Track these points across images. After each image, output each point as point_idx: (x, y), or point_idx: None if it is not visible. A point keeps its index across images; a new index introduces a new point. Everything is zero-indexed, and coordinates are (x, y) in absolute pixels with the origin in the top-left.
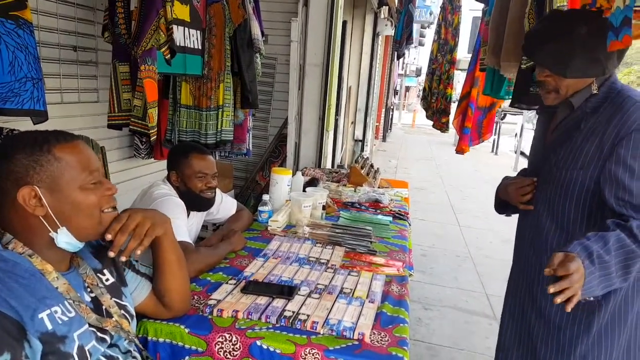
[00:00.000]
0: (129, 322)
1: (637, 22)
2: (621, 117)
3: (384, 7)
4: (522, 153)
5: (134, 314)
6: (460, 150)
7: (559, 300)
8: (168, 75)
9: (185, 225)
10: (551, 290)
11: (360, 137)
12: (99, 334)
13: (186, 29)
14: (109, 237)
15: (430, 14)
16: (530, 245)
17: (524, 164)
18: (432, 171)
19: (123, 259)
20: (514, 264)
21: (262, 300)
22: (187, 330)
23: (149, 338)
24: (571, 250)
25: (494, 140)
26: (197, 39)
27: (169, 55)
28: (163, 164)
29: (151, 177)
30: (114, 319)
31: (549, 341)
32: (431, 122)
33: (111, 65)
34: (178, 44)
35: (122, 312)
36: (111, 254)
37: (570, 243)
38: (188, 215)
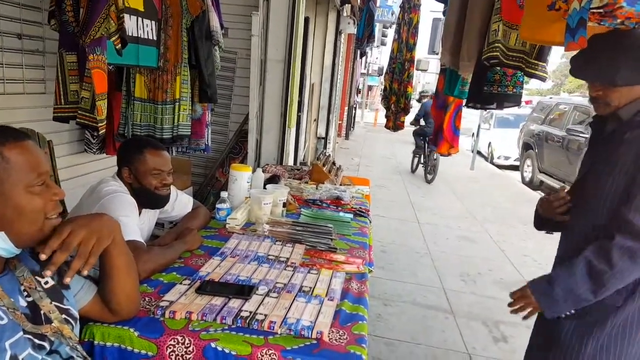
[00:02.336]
0: (73, 327)
1: (592, 25)
2: None
3: (346, 5)
4: (478, 152)
5: (77, 317)
6: (445, 153)
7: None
8: (121, 67)
9: (135, 224)
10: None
11: (323, 135)
12: (36, 340)
13: (140, 18)
14: (43, 257)
15: (392, 14)
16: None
17: (481, 162)
18: (393, 169)
19: (67, 280)
20: (555, 260)
21: (218, 300)
22: (136, 334)
23: (95, 342)
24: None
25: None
26: (151, 29)
27: (119, 45)
28: (114, 159)
29: (103, 173)
30: (54, 324)
31: (561, 341)
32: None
33: (57, 54)
34: (130, 34)
35: (64, 316)
36: (47, 274)
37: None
38: (140, 212)
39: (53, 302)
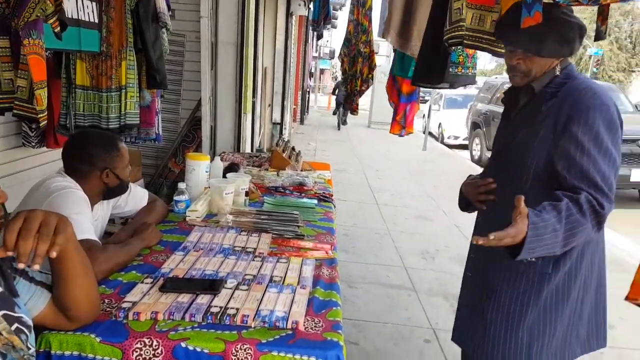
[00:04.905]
0: (27, 336)
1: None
2: (575, 98)
3: None
4: (430, 133)
5: (31, 324)
6: (397, 133)
7: (480, 241)
8: (59, 52)
9: (89, 221)
10: (479, 242)
11: (279, 120)
12: None
13: None
14: (9, 253)
15: None
16: (485, 223)
17: (432, 143)
18: (349, 152)
19: (36, 267)
20: (471, 245)
21: (185, 298)
22: (98, 340)
23: (52, 352)
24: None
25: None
26: (92, 11)
27: (58, 29)
28: (57, 153)
29: (44, 168)
30: (2, 335)
31: (499, 312)
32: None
33: None
34: (70, 16)
35: (16, 325)
36: (21, 266)
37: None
38: (92, 208)
39: (2, 311)
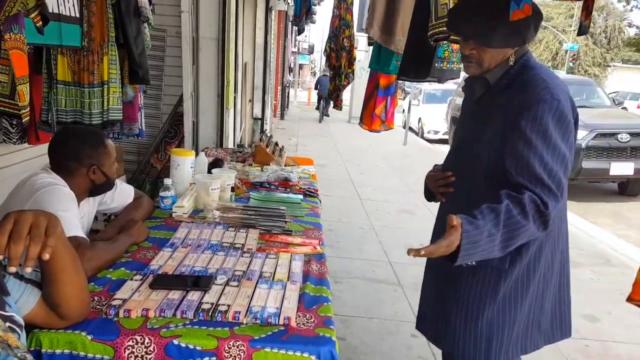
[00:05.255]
0: (19, 335)
1: None
2: (525, 91)
3: None
4: (410, 128)
5: (22, 324)
6: (370, 129)
7: (411, 254)
8: (40, 47)
9: (77, 218)
10: (411, 254)
11: (260, 116)
12: None
13: None
14: None
15: None
16: (445, 215)
17: (413, 138)
18: (331, 147)
19: (28, 270)
20: (433, 236)
21: (175, 294)
22: (89, 338)
23: (43, 351)
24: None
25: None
26: (73, 5)
27: (40, 23)
28: (39, 149)
29: (26, 164)
30: None
31: (459, 306)
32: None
33: None
34: (51, 10)
35: (8, 324)
36: (12, 269)
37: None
38: (78, 205)
39: None
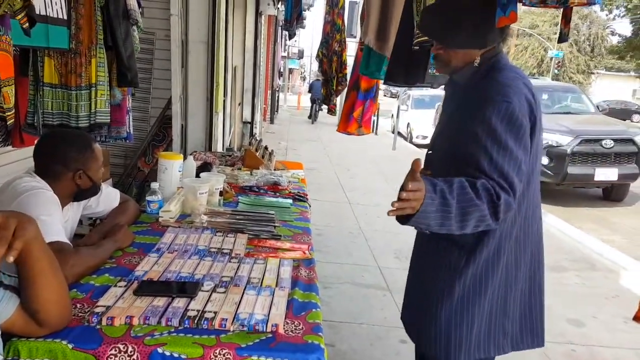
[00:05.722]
0: None
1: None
2: (480, 93)
3: None
4: (399, 133)
5: None
6: (353, 132)
7: (391, 214)
8: (26, 49)
9: (60, 223)
10: (395, 205)
11: (249, 119)
12: None
13: None
14: None
15: None
16: None
17: (402, 143)
18: (320, 151)
19: None
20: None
21: (160, 301)
22: (70, 346)
23: None
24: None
25: (373, 121)
26: (61, 7)
27: (27, 25)
28: (24, 152)
29: (9, 167)
30: None
31: (423, 303)
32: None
33: None
34: (38, 12)
35: None
36: None
37: None
38: (62, 209)
39: None
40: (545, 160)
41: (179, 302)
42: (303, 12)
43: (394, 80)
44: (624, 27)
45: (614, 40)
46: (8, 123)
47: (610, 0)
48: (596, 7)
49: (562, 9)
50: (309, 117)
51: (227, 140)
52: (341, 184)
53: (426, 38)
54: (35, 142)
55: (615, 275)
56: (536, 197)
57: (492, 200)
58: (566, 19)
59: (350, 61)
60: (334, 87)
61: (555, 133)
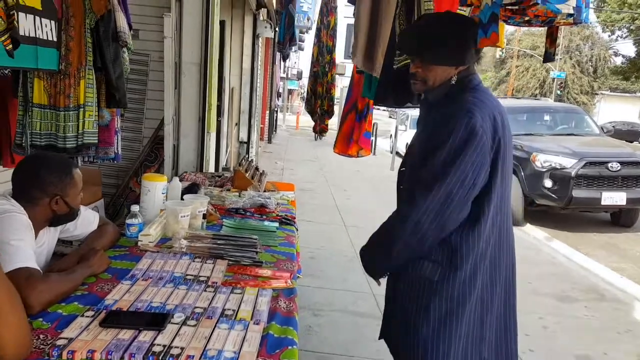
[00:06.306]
0: None
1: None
2: (457, 106)
3: (262, 9)
4: (397, 153)
5: None
6: (354, 154)
7: None
8: (17, 70)
9: (30, 248)
10: None
11: (245, 139)
12: None
13: (37, 17)
14: None
15: (308, 19)
16: None
17: (399, 162)
18: (317, 172)
19: None
20: None
21: (127, 334)
22: None
23: None
24: None
25: (372, 141)
26: (51, 29)
27: (10, 46)
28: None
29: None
30: None
31: (398, 322)
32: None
33: None
34: (27, 34)
35: None
36: None
37: None
38: (37, 234)
39: None
40: (549, 183)
41: (146, 336)
42: (298, 34)
43: (384, 103)
44: (628, 48)
45: (618, 61)
46: None
47: (612, 22)
48: (598, 29)
49: (546, 28)
50: (313, 130)
51: (223, 160)
52: (337, 205)
53: (408, 61)
54: (17, 163)
55: (627, 306)
56: (509, 219)
57: (399, 210)
58: (552, 37)
59: (337, 80)
60: (325, 107)
61: (559, 155)
